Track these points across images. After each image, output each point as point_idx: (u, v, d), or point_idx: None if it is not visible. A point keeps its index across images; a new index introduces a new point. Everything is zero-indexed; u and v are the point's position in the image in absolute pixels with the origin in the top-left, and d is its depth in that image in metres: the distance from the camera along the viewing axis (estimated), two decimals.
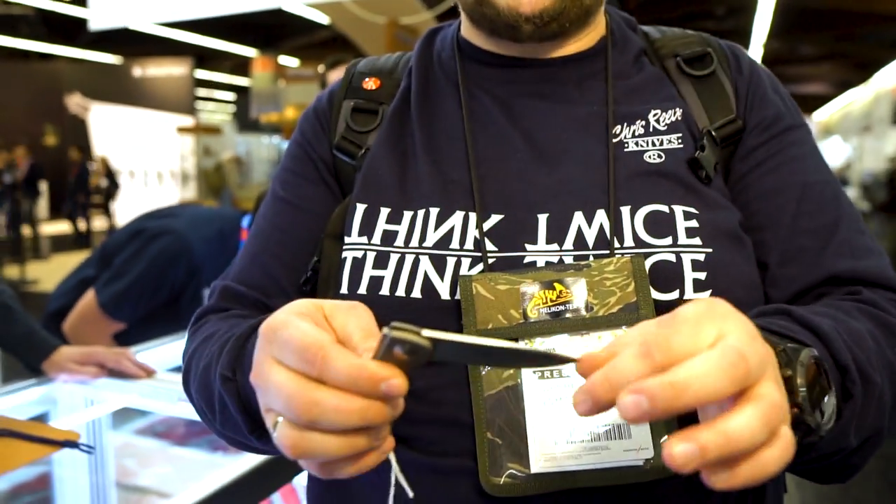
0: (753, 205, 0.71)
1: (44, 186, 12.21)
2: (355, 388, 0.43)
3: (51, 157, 14.22)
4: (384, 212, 0.70)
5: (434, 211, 0.69)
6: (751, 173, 0.72)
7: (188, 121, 14.71)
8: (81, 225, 11.93)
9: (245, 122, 17.10)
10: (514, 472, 0.61)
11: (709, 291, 0.62)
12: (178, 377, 1.48)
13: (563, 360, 0.47)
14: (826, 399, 0.51)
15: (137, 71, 16.08)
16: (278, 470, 1.25)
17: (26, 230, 10.09)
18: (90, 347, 1.48)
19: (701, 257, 0.64)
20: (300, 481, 1.42)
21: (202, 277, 1.87)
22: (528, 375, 0.62)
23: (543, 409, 0.62)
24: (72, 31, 14.56)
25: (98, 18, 4.14)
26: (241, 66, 16.53)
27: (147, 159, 14.67)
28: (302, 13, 9.56)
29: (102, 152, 13.86)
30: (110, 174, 12.56)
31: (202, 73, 18.30)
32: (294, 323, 0.46)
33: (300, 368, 0.45)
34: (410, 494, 0.54)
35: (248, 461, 1.25)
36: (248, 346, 0.62)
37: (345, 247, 0.71)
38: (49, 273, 8.19)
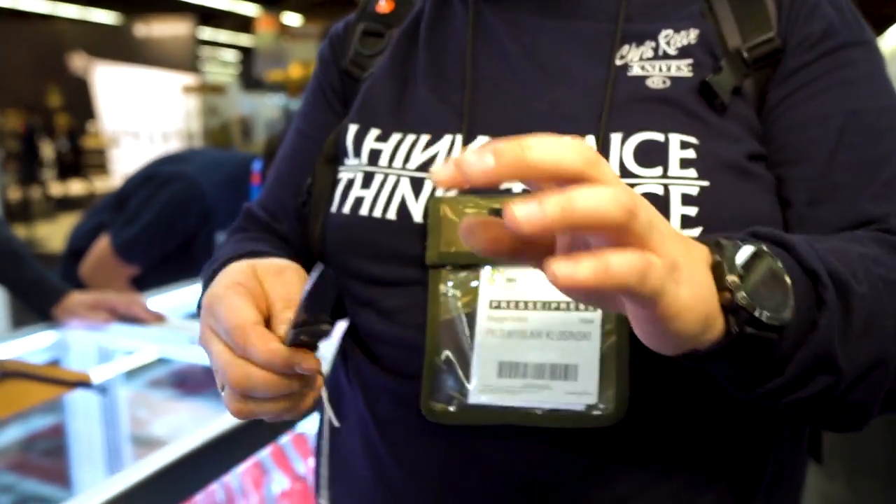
0: (784, 137, 0.63)
1: (49, 148, 12.14)
2: (274, 370, 0.49)
3: (56, 119, 14.15)
4: (374, 132, 0.69)
5: (425, 136, 0.66)
6: (787, 99, 0.64)
7: (192, 80, 14.60)
8: (56, 190, 11.67)
9: (250, 81, 16.99)
10: (453, 399, 0.60)
11: (699, 229, 0.57)
12: (191, 323, 1.48)
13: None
14: (779, 294, 0.45)
15: (140, 30, 15.94)
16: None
17: (35, 192, 10.09)
18: (101, 293, 1.47)
19: (693, 191, 0.58)
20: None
21: (214, 222, 1.87)
22: (483, 303, 0.60)
23: (491, 339, 0.60)
24: None
25: None
26: (244, 24, 16.40)
27: (152, 119, 14.59)
28: None
29: (106, 112, 13.80)
30: (72, 136, 12.35)
31: (206, 33, 18.15)
32: (227, 300, 0.52)
33: (231, 345, 0.50)
34: (336, 424, 0.60)
35: None
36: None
37: (341, 168, 0.70)
38: (57, 233, 8.20)
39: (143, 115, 14.46)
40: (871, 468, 2.85)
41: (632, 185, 0.58)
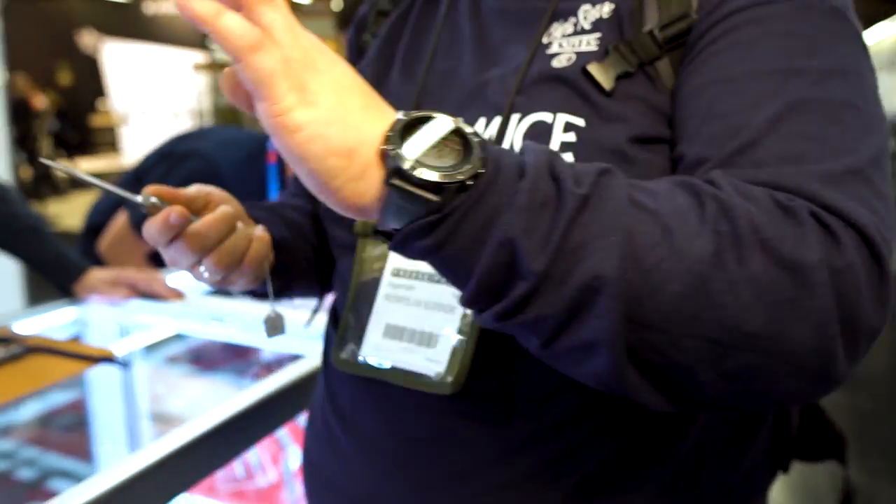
0: (675, 115, 0.57)
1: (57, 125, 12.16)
2: None
3: (66, 97, 14.14)
4: None
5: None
6: (683, 73, 0.58)
7: (202, 58, 14.56)
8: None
9: None
10: (352, 352, 0.68)
11: None
12: (209, 299, 1.48)
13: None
14: (449, 160, 0.44)
15: (150, 7, 15.87)
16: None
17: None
18: (120, 270, 1.47)
19: None
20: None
21: None
22: (388, 270, 0.67)
23: (386, 303, 0.67)
24: None
25: None
26: None
27: (162, 97, 14.57)
28: None
29: (116, 90, 13.79)
30: (63, 116, 12.34)
31: None
32: None
33: None
34: (274, 310, 0.67)
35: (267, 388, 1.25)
36: None
37: None
38: (69, 211, 8.23)
39: (153, 93, 14.45)
40: (884, 447, 2.84)
41: None
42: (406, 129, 0.44)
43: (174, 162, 1.85)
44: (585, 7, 0.64)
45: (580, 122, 0.58)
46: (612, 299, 0.42)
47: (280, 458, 1.75)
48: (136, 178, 1.93)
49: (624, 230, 0.43)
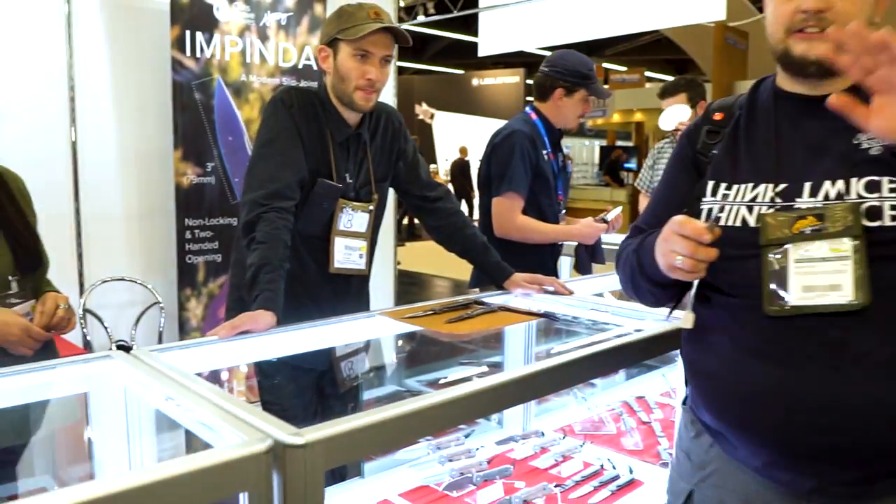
0: None
1: None
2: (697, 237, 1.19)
3: None
4: (723, 185, 1.32)
5: (749, 185, 1.27)
6: None
7: None
8: None
9: None
10: (781, 304, 1.19)
11: None
12: (590, 298, 2.24)
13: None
14: None
15: (475, 81, 17.82)
16: None
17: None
18: (535, 274, 2.30)
19: None
20: None
21: None
22: (791, 262, 1.19)
23: (798, 277, 1.19)
24: (419, 47, 16.60)
25: (487, 46, 5.16)
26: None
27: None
28: None
29: (441, 154, 15.61)
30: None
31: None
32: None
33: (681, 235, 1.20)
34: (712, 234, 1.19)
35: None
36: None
37: (702, 202, 1.32)
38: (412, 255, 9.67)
39: (474, 156, 16.18)
40: None
41: (863, 202, 1.16)
42: None
43: None
44: None
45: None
46: None
47: (619, 419, 2.45)
48: None
49: None
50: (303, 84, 4.32)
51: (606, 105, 15.14)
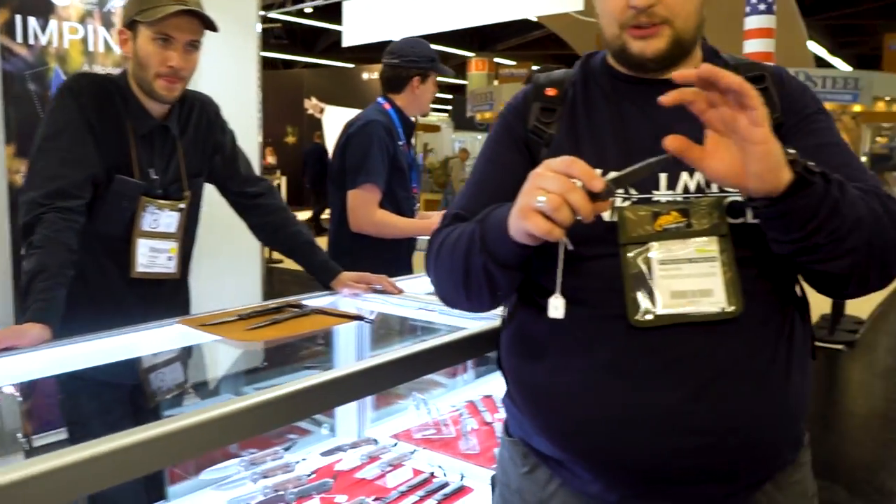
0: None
1: (283, 180, 13.87)
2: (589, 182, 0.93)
3: (290, 155, 15.99)
4: None
5: (598, 171, 1.11)
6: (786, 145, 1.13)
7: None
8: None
9: (461, 120, 17.90)
10: (647, 314, 1.05)
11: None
12: (420, 296, 2.13)
13: (664, 159, 0.96)
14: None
15: (365, 74, 17.60)
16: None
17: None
18: (363, 273, 2.17)
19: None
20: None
21: None
22: (655, 263, 1.06)
23: (663, 280, 1.05)
24: (311, 41, 16.32)
25: (351, 36, 5.01)
26: (460, 66, 17.51)
27: None
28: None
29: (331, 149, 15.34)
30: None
31: None
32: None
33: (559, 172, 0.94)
34: (570, 247, 1.02)
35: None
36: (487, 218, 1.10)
37: None
38: None
39: None
40: None
41: (726, 196, 1.08)
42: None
43: None
44: None
45: None
46: (864, 228, 0.99)
47: (459, 421, 2.37)
48: None
49: (861, 206, 1.00)
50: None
51: (493, 98, 15.24)
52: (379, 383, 1.53)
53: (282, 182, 13.77)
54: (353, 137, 2.81)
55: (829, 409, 4.88)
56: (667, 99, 0.92)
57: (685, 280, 1.06)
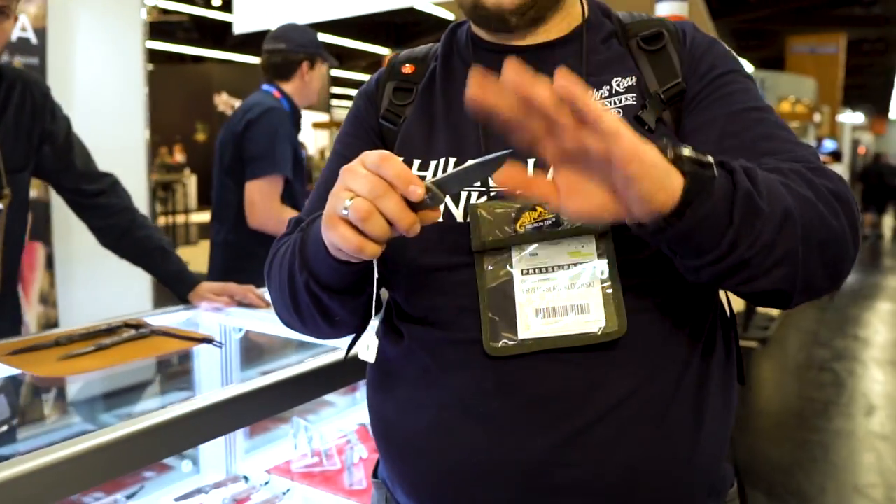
0: (689, 140, 0.87)
1: (193, 178, 13.27)
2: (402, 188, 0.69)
3: (200, 152, 15.35)
4: (416, 162, 0.96)
5: (452, 160, 0.94)
6: (689, 117, 0.91)
7: (324, 117, 15.51)
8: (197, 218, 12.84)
9: None
10: (508, 339, 0.84)
11: None
12: None
13: (503, 156, 0.68)
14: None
15: None
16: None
17: (179, 218, 11.12)
18: (225, 283, 1.86)
19: None
20: None
21: None
22: (517, 273, 0.86)
23: (527, 295, 0.84)
24: (221, 35, 15.71)
25: (242, 23, 4.64)
26: (375, 64, 17.19)
27: None
28: (433, 11, 9.92)
29: None
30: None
31: (338, 72, 19.15)
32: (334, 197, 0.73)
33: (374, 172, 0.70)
34: (376, 274, 0.81)
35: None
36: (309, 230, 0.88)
37: None
38: (197, 256, 8.97)
39: None
40: None
41: None
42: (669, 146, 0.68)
43: None
44: (617, 79, 0.93)
45: None
46: (796, 223, 0.73)
47: (344, 450, 2.08)
48: None
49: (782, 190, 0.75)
50: (19, 60, 3.62)
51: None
52: (225, 423, 1.25)
53: (191, 180, 13.14)
54: (255, 124, 2.55)
55: (744, 408, 4.79)
56: (473, 92, 0.66)
57: (555, 294, 0.84)
